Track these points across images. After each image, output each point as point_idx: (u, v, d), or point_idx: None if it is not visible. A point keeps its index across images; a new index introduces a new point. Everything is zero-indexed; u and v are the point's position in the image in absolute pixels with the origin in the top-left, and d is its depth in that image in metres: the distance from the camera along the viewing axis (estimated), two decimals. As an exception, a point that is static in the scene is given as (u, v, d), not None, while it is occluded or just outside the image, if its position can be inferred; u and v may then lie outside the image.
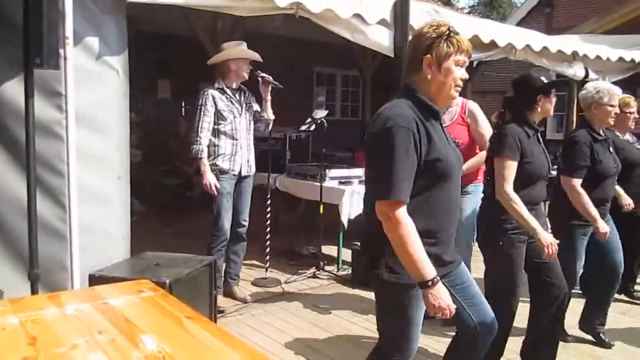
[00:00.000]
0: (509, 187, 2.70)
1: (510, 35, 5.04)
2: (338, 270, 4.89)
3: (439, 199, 2.00)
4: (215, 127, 3.91)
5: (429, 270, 1.87)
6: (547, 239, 2.69)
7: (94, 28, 2.99)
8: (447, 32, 1.96)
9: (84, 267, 2.92)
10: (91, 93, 3.00)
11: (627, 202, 3.80)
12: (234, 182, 4.01)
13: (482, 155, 3.37)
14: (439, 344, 3.32)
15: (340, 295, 4.31)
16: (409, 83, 2.05)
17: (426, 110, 1.99)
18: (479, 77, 9.34)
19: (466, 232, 3.52)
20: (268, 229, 4.64)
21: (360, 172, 5.48)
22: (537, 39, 5.49)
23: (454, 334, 2.37)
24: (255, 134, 4.18)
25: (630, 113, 3.82)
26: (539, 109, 2.89)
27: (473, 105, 3.64)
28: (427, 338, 3.35)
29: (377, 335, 3.60)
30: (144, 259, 3.14)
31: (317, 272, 4.78)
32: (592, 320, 3.60)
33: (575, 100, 6.78)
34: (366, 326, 3.72)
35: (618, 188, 3.70)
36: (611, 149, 3.39)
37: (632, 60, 6.41)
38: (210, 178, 3.85)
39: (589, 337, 3.57)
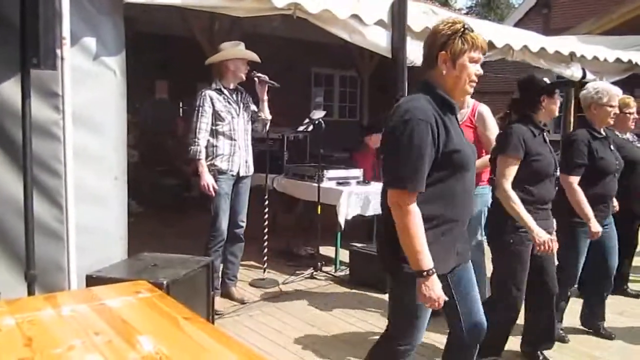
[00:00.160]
0: (508, 184, 2.75)
1: (508, 36, 5.05)
2: (335, 271, 4.89)
3: (455, 190, 2.06)
4: (213, 127, 3.90)
5: (427, 261, 1.94)
6: (542, 237, 2.72)
7: (91, 28, 2.98)
8: (462, 29, 2.03)
9: (81, 268, 2.91)
10: (88, 93, 3.00)
11: (613, 204, 3.80)
12: (232, 183, 4.01)
13: (485, 158, 3.39)
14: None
15: (338, 296, 4.31)
16: (426, 78, 2.11)
17: (443, 104, 2.05)
18: (476, 77, 9.33)
19: (473, 233, 3.52)
20: (266, 230, 4.64)
21: (358, 172, 5.48)
22: (534, 40, 5.50)
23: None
24: (253, 134, 4.18)
25: (629, 113, 3.85)
26: (543, 110, 2.93)
27: (483, 109, 3.65)
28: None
29: (375, 335, 3.61)
30: (142, 260, 3.13)
31: (314, 273, 4.78)
32: (592, 317, 3.66)
33: (573, 101, 6.80)
34: (363, 327, 3.72)
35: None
36: (612, 146, 3.41)
37: (630, 61, 6.42)
38: (208, 179, 3.84)
39: (588, 338, 3.58)
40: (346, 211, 4.86)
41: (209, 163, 3.89)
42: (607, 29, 8.67)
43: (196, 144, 3.84)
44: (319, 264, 4.86)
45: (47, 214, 2.89)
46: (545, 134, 2.95)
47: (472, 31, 2.03)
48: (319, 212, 4.85)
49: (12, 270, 2.88)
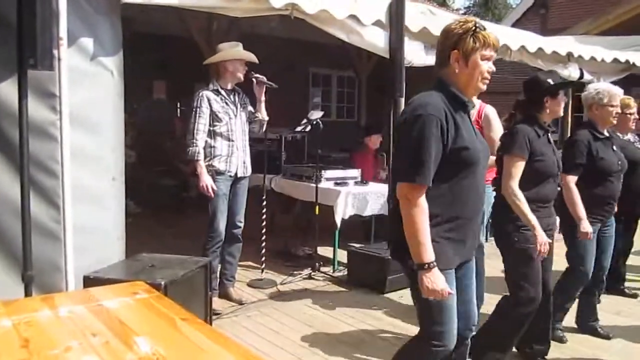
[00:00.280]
0: (514, 183, 2.79)
1: (506, 37, 5.06)
2: (334, 272, 4.88)
3: (464, 187, 2.09)
4: (211, 128, 3.89)
5: (430, 254, 1.99)
6: (542, 238, 2.75)
7: (88, 29, 2.98)
8: (474, 27, 2.06)
9: (78, 269, 2.91)
10: (85, 94, 2.99)
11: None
12: (230, 184, 4.00)
13: (491, 159, 3.41)
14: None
15: (336, 297, 4.31)
16: (440, 76, 2.15)
17: (455, 101, 2.09)
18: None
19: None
20: (264, 230, 4.63)
21: (355, 173, 5.49)
22: (532, 40, 5.51)
23: None
24: (251, 135, 4.17)
25: (630, 114, 3.86)
26: (547, 110, 2.96)
27: (490, 110, 3.67)
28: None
29: (373, 336, 3.61)
30: (139, 261, 3.13)
31: (312, 273, 4.77)
32: (586, 318, 3.67)
33: (570, 102, 6.81)
34: (361, 327, 3.72)
35: None
36: (615, 147, 3.44)
37: (627, 62, 6.44)
38: (207, 180, 3.84)
39: (586, 338, 3.59)
40: (343, 211, 4.86)
41: (207, 164, 3.88)
42: (604, 30, 8.70)
43: (194, 144, 3.84)
44: (316, 264, 4.86)
45: (44, 214, 2.88)
46: (549, 134, 2.99)
47: (484, 29, 2.07)
48: (316, 213, 4.84)
49: (9, 271, 2.87)
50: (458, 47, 2.06)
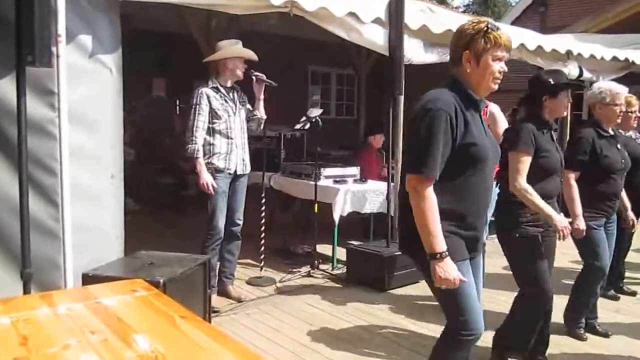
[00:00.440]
0: (522, 179, 2.81)
1: (505, 34, 5.04)
2: (333, 269, 4.88)
3: (473, 183, 2.13)
4: (210, 126, 3.89)
5: (441, 244, 2.02)
6: (562, 222, 2.80)
7: (87, 26, 2.97)
8: (485, 28, 2.09)
9: (77, 266, 2.90)
10: (84, 91, 2.98)
11: (630, 217, 3.81)
12: (229, 181, 4.00)
13: None
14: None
15: (335, 294, 4.31)
16: (453, 74, 2.19)
17: (467, 99, 2.13)
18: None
19: None
20: (263, 228, 4.63)
21: (354, 171, 5.49)
22: (531, 38, 5.51)
23: None
24: (249, 133, 4.17)
25: (631, 112, 3.87)
26: (546, 109, 2.98)
27: (494, 108, 3.71)
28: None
29: (372, 334, 3.61)
30: (138, 258, 3.12)
31: (311, 271, 4.77)
32: (586, 316, 3.65)
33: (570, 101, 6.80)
34: (361, 324, 3.72)
35: (625, 200, 3.74)
36: (619, 146, 3.47)
37: (626, 60, 6.44)
38: (206, 177, 3.83)
39: (586, 336, 3.59)
40: (342, 208, 4.86)
41: (206, 161, 3.87)
42: (603, 28, 8.70)
43: (193, 142, 3.83)
44: (316, 262, 4.86)
45: (43, 212, 2.88)
46: (552, 132, 3.02)
47: (496, 30, 2.09)
48: (316, 211, 4.84)
49: (8, 268, 2.87)
50: (470, 48, 2.10)
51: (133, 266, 2.99)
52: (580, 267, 3.53)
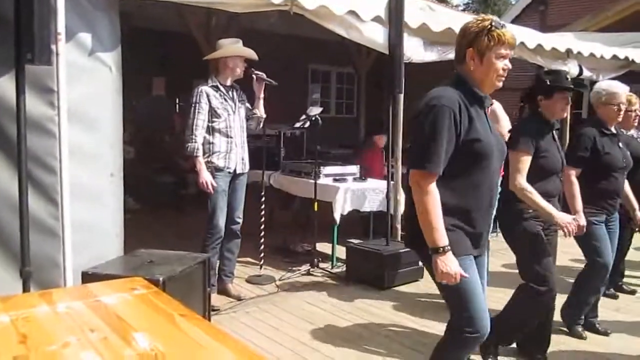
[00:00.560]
0: (522, 179, 2.83)
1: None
2: (332, 268, 4.88)
3: (477, 180, 2.13)
4: (210, 124, 3.88)
5: (443, 238, 2.04)
6: (564, 219, 2.81)
7: (86, 24, 2.97)
8: (489, 26, 2.10)
9: (76, 265, 2.90)
10: (84, 89, 2.98)
11: (638, 218, 3.78)
12: (229, 180, 4.00)
13: None
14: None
15: (335, 293, 4.31)
16: (457, 72, 2.20)
17: (471, 96, 2.14)
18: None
19: None
20: (262, 227, 4.63)
21: (354, 169, 5.49)
22: (531, 37, 5.50)
23: None
24: (248, 131, 4.16)
25: (631, 111, 3.87)
26: (542, 108, 3.00)
27: (496, 105, 3.71)
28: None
29: (371, 333, 3.61)
30: (138, 257, 3.12)
31: (311, 270, 4.77)
32: (586, 314, 3.67)
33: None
34: (360, 323, 3.72)
35: (633, 201, 3.73)
36: (621, 144, 3.48)
37: (626, 58, 6.44)
38: (206, 176, 3.83)
39: (586, 335, 3.59)
40: (342, 207, 4.86)
41: (205, 160, 3.87)
42: (603, 26, 8.69)
43: (193, 140, 3.83)
44: (315, 260, 4.86)
45: (42, 210, 2.88)
46: (554, 131, 3.02)
47: (500, 28, 2.10)
48: (315, 209, 4.84)
49: (8, 266, 2.87)
50: (473, 45, 2.11)
51: (133, 264, 2.98)
52: (582, 265, 3.54)
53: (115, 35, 3.10)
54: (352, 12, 4.10)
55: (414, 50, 4.67)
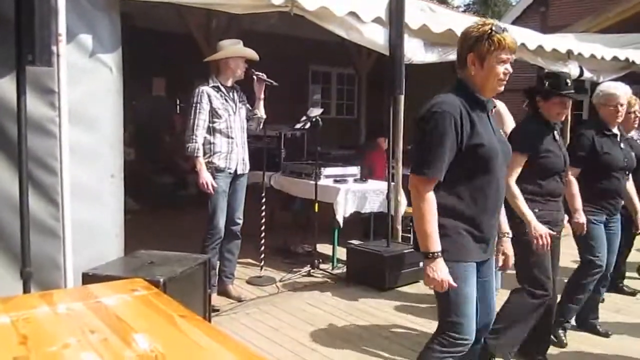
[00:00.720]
0: (512, 179, 2.82)
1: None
2: (333, 269, 4.88)
3: (483, 183, 2.14)
4: (210, 125, 3.88)
5: (435, 244, 2.05)
6: (539, 230, 2.77)
7: (87, 25, 2.97)
8: (489, 30, 2.09)
9: (77, 266, 2.90)
10: (84, 90, 2.98)
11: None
12: (230, 181, 4.00)
13: None
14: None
15: (335, 294, 4.31)
16: (459, 76, 2.21)
17: (473, 101, 2.15)
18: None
19: None
20: (263, 228, 4.63)
21: (355, 170, 5.49)
22: (532, 38, 5.50)
23: None
24: (248, 132, 4.17)
25: (630, 112, 3.87)
26: (541, 110, 2.99)
27: (501, 106, 3.71)
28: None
29: (372, 334, 3.61)
30: (138, 258, 3.12)
31: (311, 271, 4.77)
32: (587, 316, 3.67)
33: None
34: (360, 324, 3.72)
35: (636, 204, 3.71)
36: (622, 145, 3.48)
37: (627, 59, 6.43)
38: (206, 177, 3.83)
39: (586, 336, 3.59)
40: (344, 209, 4.85)
41: (206, 161, 3.87)
42: (604, 27, 8.69)
43: (193, 141, 3.83)
44: (316, 261, 4.86)
45: (43, 211, 2.88)
46: (555, 132, 3.01)
47: (501, 32, 2.09)
48: (316, 210, 4.84)
49: (8, 267, 2.87)
50: (474, 50, 2.11)
51: (133, 265, 2.99)
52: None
53: (115, 36, 3.10)
54: (352, 13, 4.10)
55: (415, 52, 4.67)
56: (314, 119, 4.90)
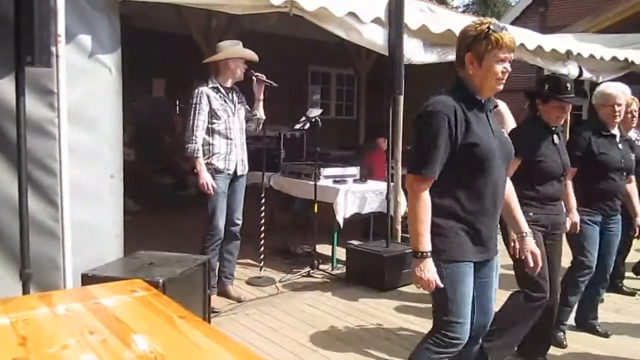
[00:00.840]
0: None
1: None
2: (332, 269, 4.88)
3: (480, 183, 2.13)
4: (209, 126, 3.88)
5: (426, 244, 2.07)
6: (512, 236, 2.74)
7: (86, 25, 2.97)
8: (487, 30, 2.09)
9: (76, 267, 2.90)
10: (84, 91, 2.99)
11: (638, 224, 3.70)
12: (229, 181, 4.00)
13: None
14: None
15: (335, 294, 4.31)
16: (458, 76, 2.22)
17: (470, 100, 2.15)
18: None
19: None
20: (262, 228, 4.62)
21: (354, 171, 5.48)
22: (531, 38, 5.50)
23: None
24: (247, 133, 4.17)
25: (628, 112, 3.87)
26: (540, 113, 2.98)
27: (502, 105, 3.70)
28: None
29: (371, 334, 3.61)
30: (137, 258, 3.12)
31: (311, 271, 4.77)
32: (586, 316, 3.67)
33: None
34: (360, 324, 3.72)
35: (636, 206, 3.67)
36: (621, 146, 3.47)
37: (626, 60, 6.43)
38: (206, 177, 3.83)
39: (586, 336, 3.59)
40: (344, 210, 4.85)
41: (205, 161, 3.87)
42: (603, 27, 8.70)
43: (193, 141, 3.83)
44: (315, 262, 4.85)
45: (42, 212, 2.88)
46: (555, 135, 3.00)
47: (499, 31, 2.09)
48: (315, 211, 4.84)
49: (7, 268, 2.87)
50: (472, 49, 2.11)
51: (132, 266, 2.99)
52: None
53: (115, 37, 3.10)
54: (351, 14, 4.10)
55: (414, 52, 4.67)
56: (313, 120, 4.90)
